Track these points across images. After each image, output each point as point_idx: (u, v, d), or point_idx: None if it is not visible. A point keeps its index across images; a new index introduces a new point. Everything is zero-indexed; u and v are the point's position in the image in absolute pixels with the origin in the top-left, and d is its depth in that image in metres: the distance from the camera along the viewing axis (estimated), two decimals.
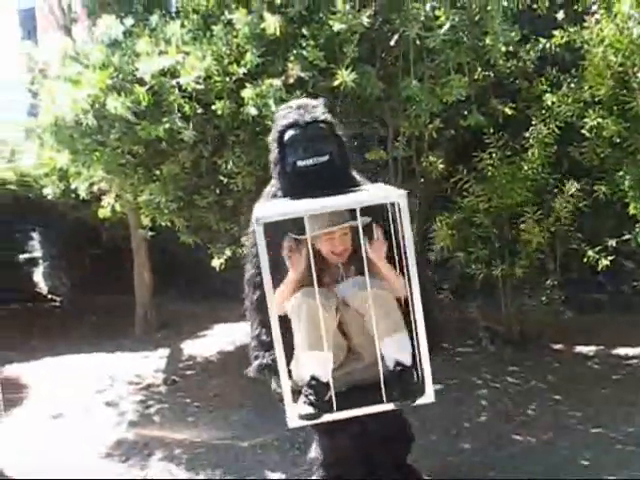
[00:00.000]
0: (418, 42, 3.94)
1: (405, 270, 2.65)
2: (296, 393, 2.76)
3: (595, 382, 4.98)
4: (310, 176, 2.84)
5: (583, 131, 4.71)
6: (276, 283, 2.76)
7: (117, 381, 5.92)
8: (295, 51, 3.96)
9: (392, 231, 2.79)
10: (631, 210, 4.58)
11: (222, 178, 4.82)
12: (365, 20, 3.73)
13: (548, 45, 4.86)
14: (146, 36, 4.25)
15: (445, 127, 4.91)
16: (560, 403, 4.57)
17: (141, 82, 4.12)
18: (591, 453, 3.84)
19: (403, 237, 2.64)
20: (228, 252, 5.74)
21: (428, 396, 2.71)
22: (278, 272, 2.83)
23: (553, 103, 4.78)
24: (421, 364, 2.69)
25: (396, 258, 2.80)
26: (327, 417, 2.70)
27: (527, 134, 5.01)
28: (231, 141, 4.45)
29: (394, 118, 4.60)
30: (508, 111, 4.99)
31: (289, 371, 2.76)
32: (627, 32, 4.24)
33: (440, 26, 3.75)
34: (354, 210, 2.66)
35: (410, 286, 2.63)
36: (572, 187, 4.91)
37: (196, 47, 4.15)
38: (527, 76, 5.11)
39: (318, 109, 2.99)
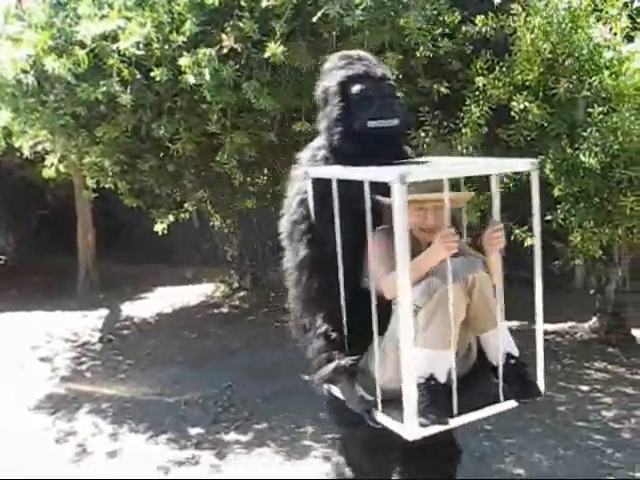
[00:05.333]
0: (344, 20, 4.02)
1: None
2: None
3: None
4: (376, 140, 2.36)
5: (513, 114, 4.86)
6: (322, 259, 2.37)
7: (54, 338, 6.05)
8: (232, 22, 4.06)
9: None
10: (556, 192, 4.77)
11: (164, 144, 4.90)
12: None
13: (484, 29, 4.96)
14: None
15: None
16: None
17: (82, 45, 4.18)
18: (493, 419, 4.04)
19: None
20: (170, 217, 5.87)
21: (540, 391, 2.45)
22: (324, 248, 2.38)
23: (484, 85, 4.91)
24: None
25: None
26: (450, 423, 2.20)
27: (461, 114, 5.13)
28: (169, 107, 4.53)
29: None
30: (444, 90, 5.10)
31: (362, 370, 2.34)
32: (555, 21, 4.41)
33: (357, 6, 3.87)
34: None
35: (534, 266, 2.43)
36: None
37: (138, 13, 4.23)
38: (463, 57, 5.22)
39: (380, 63, 2.54)
